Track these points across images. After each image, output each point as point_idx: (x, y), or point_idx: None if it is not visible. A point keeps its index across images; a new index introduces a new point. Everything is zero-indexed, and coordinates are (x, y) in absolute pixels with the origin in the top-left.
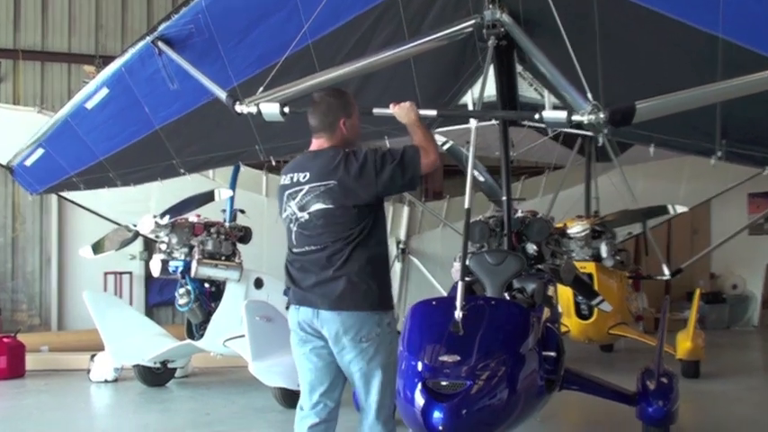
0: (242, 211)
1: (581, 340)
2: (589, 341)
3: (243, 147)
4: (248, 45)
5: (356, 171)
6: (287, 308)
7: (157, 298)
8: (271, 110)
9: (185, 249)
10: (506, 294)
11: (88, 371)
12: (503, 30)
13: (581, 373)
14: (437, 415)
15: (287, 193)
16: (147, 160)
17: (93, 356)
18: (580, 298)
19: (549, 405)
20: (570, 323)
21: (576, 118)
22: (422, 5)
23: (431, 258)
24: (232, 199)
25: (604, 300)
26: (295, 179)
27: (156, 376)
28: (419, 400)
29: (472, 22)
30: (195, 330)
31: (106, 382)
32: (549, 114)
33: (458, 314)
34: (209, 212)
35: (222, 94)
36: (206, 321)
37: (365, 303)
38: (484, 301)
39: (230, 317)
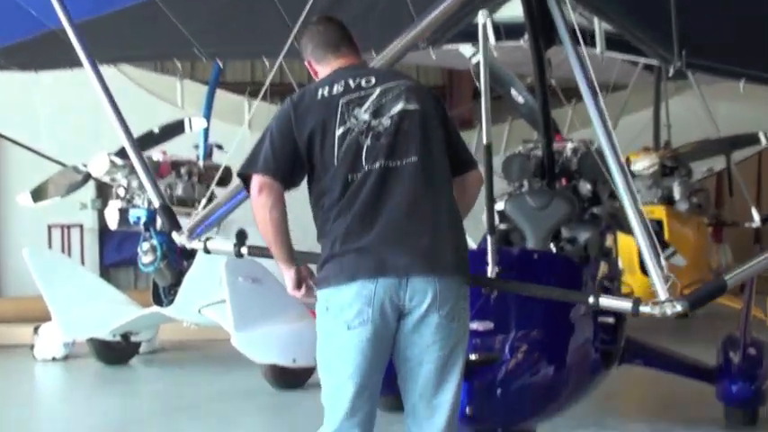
0: (219, 147)
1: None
2: None
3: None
4: None
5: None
6: (322, 286)
7: (115, 256)
8: None
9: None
10: (552, 246)
11: (32, 347)
12: None
13: (647, 343)
14: (465, 395)
15: (342, 102)
16: None
17: (36, 329)
18: None
19: (607, 384)
20: (633, 281)
21: None
22: None
23: None
24: (206, 131)
25: (677, 252)
26: (353, 84)
27: (116, 352)
28: None
29: None
30: (163, 295)
31: (54, 360)
32: None
33: (490, 271)
34: (178, 148)
35: None
36: (176, 284)
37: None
38: (523, 254)
39: (207, 278)
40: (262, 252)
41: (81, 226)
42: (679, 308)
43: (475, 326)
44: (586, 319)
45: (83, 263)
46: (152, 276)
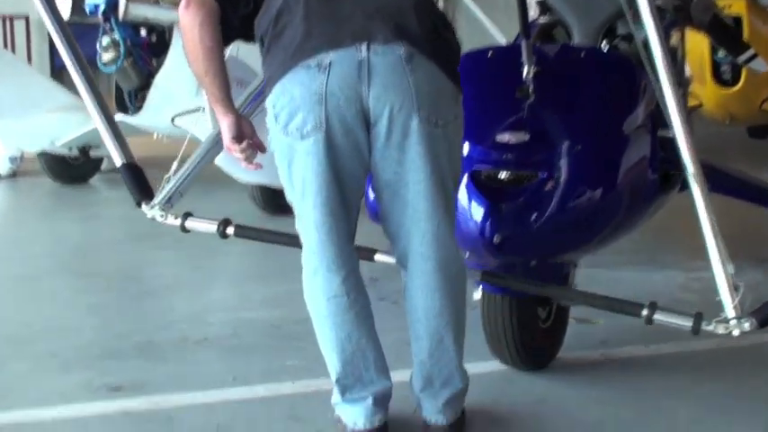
0: None
1: (719, 118)
2: (732, 120)
3: None
4: None
5: None
6: (268, 91)
7: None
8: None
9: None
10: (605, 43)
11: None
12: None
13: (717, 165)
14: (493, 220)
15: None
16: None
17: None
18: (720, 53)
19: (665, 213)
20: (704, 92)
21: None
22: None
23: None
24: None
25: (757, 56)
26: None
27: (73, 169)
28: (465, 199)
29: None
30: (129, 101)
31: None
32: None
33: (527, 71)
34: None
35: None
36: (144, 88)
37: (452, 60)
38: (568, 51)
39: (181, 80)
40: (251, 233)
41: (27, 18)
42: (747, 327)
43: (506, 138)
44: (643, 132)
45: (29, 61)
46: (114, 78)
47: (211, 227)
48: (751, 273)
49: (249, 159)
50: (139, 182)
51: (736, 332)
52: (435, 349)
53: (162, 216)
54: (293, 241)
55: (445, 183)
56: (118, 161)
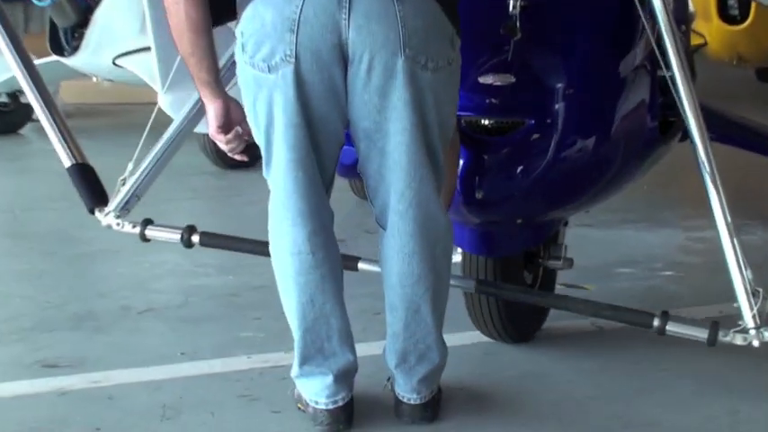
0: None
1: (725, 58)
2: (739, 60)
3: None
4: None
5: None
6: (242, 3)
7: None
8: None
9: None
10: None
11: None
12: None
13: (722, 111)
14: (473, 174)
15: None
16: None
17: None
18: None
19: (663, 166)
20: (709, 29)
21: None
22: None
23: None
24: None
25: None
26: None
27: (2, 117)
28: None
29: None
30: (65, 41)
31: None
32: None
33: (513, 5)
34: None
35: None
36: (82, 25)
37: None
38: None
39: (124, 16)
40: (219, 241)
41: None
42: None
43: (489, 80)
44: (642, 74)
45: None
46: (48, 14)
47: (174, 235)
48: (760, 232)
49: (235, 150)
50: (92, 185)
51: (755, 343)
52: (411, 320)
53: (119, 224)
54: (267, 250)
55: (430, 136)
56: (66, 162)
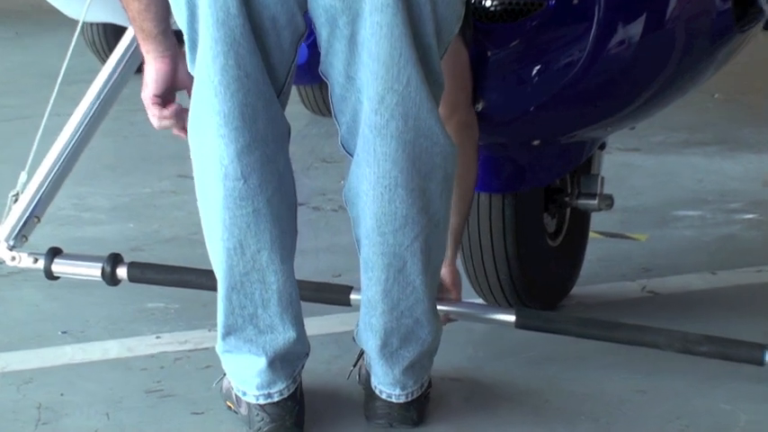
0: None
1: None
2: None
3: None
4: None
5: None
6: None
7: None
8: None
9: None
10: None
11: None
12: None
13: None
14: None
15: None
16: None
17: None
18: None
19: (742, 62)
20: None
21: None
22: None
23: None
24: None
25: None
26: None
27: None
28: None
29: None
30: None
31: None
32: None
33: None
34: None
35: None
36: None
37: None
38: None
39: None
40: (153, 275)
41: None
42: None
43: None
44: None
45: None
46: None
47: (94, 270)
48: None
49: (168, 127)
50: None
51: None
52: (393, 283)
53: (14, 258)
54: (212, 283)
55: (422, 21)
56: None
